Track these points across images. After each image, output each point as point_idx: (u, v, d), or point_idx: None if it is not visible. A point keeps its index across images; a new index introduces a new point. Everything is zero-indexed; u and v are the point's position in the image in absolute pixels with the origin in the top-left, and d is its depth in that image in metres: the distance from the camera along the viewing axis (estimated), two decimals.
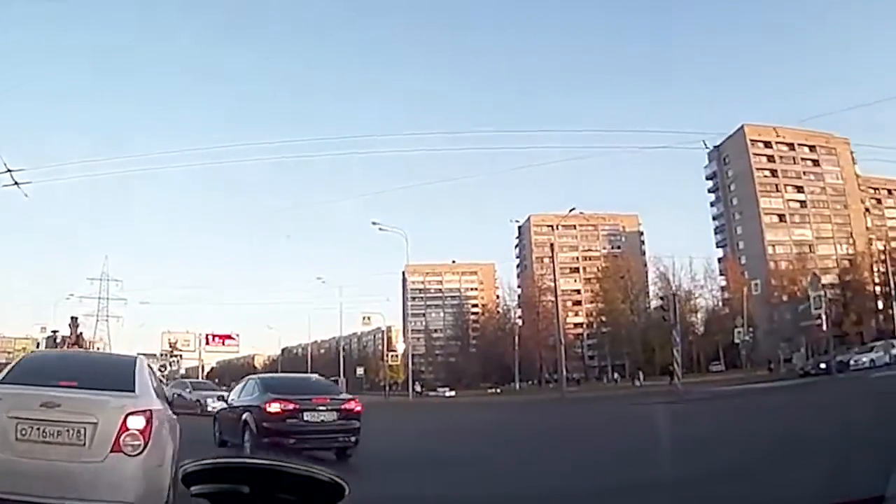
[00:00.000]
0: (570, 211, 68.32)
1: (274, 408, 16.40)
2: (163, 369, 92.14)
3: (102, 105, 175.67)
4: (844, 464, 9.27)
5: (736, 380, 59.72)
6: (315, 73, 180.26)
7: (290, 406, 16.43)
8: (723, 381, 57.42)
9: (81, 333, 35.03)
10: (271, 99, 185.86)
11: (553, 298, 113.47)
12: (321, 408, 16.87)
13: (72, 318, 36.52)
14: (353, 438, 16.79)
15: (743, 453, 14.25)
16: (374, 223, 77.77)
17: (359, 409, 17.56)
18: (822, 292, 53.94)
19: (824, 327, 52.03)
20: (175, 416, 10.21)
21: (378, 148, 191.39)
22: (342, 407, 17.24)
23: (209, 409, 30.07)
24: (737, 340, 74.25)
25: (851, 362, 51.37)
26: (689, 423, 23.82)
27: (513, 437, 24.17)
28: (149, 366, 9.88)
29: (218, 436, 19.71)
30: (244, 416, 17.23)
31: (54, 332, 34.26)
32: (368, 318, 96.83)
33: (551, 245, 68.50)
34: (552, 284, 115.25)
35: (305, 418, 16.45)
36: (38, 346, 32.71)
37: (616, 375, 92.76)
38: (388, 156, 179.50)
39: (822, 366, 52.57)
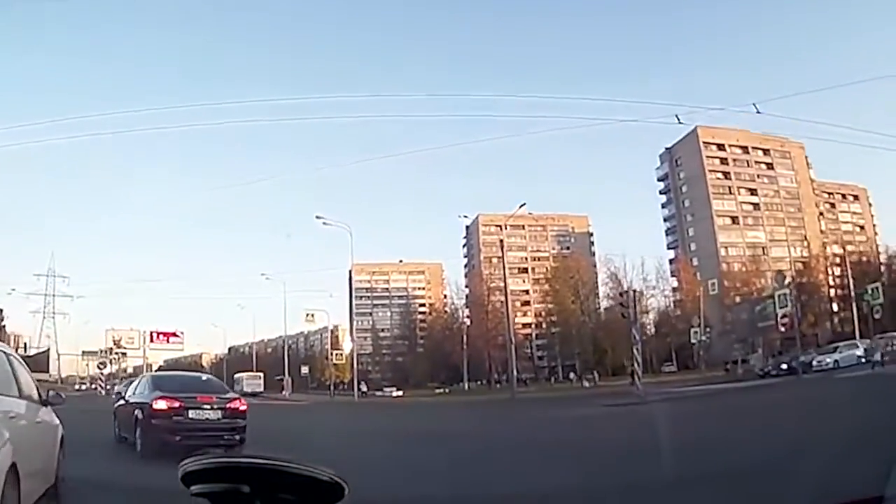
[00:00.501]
0: (521, 206, 66.93)
1: (159, 405, 16.78)
2: (102, 367, 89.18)
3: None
4: (844, 463, 9.14)
5: (693, 380, 58.45)
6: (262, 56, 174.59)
7: (176, 404, 16.76)
8: (679, 382, 55.67)
9: (3, 327, 31.74)
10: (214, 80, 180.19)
11: (502, 298, 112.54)
12: (206, 406, 17.29)
13: None
14: (237, 437, 17.26)
15: (738, 454, 13.73)
16: (317, 217, 74.63)
17: (243, 408, 18.18)
18: (787, 290, 51.82)
19: (793, 325, 50.00)
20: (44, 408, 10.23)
21: (325, 137, 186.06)
22: (227, 406, 17.74)
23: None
24: (693, 340, 73.03)
25: (814, 363, 50.12)
26: (666, 424, 21.29)
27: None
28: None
29: (117, 432, 19.92)
30: (135, 413, 17.51)
31: None
32: (312, 316, 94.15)
33: (501, 242, 67.06)
34: (501, 284, 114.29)
35: (190, 416, 16.80)
36: None
37: (572, 375, 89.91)
38: (335, 146, 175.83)
39: (785, 366, 51.18)
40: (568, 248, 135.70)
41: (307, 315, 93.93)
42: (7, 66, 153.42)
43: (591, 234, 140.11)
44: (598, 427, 26.19)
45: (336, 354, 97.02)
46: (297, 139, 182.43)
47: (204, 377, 24.23)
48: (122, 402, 20.36)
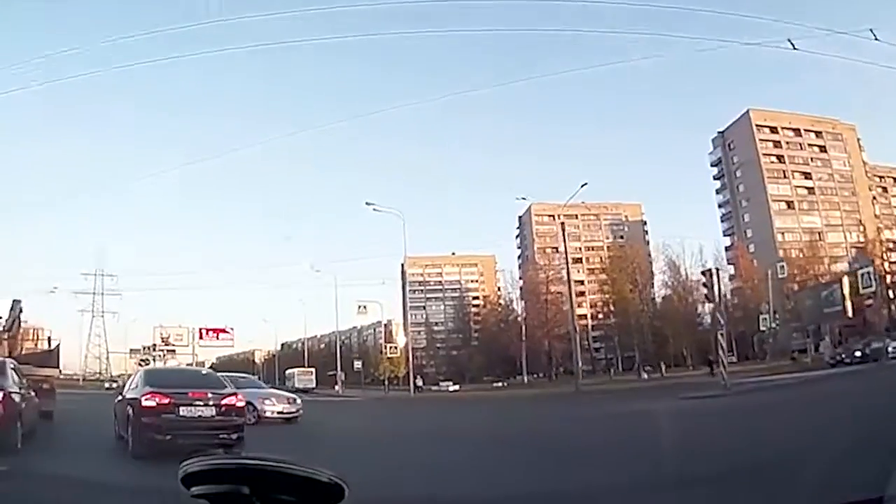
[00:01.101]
0: (582, 186, 61.96)
1: (148, 402, 15.69)
2: (144, 364, 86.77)
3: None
4: None
5: (762, 370, 52.94)
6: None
7: (165, 400, 15.68)
8: (752, 372, 50.45)
9: (17, 321, 29.20)
10: (258, 77, 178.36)
11: (558, 288, 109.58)
12: (198, 402, 16.12)
13: (14, 301, 31.01)
14: (234, 435, 16.25)
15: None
16: (367, 203, 71.56)
17: (241, 404, 17.36)
18: (870, 268, 47.64)
19: (879, 307, 45.76)
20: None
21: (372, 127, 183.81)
22: (222, 402, 16.50)
23: (268, 414, 26.89)
24: (762, 328, 68.20)
25: (890, 349, 45.37)
26: (772, 417, 20.05)
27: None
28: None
29: (116, 429, 18.46)
30: (127, 410, 16.49)
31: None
32: (364, 308, 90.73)
33: (562, 225, 62.88)
34: (556, 275, 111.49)
35: (181, 413, 15.72)
36: None
37: (646, 367, 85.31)
38: (383, 136, 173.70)
39: (858, 353, 46.89)
40: (622, 237, 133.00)
41: (359, 307, 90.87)
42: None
43: (645, 223, 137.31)
44: (703, 423, 22.08)
45: (390, 348, 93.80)
46: (345, 125, 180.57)
47: (204, 372, 24.18)
48: (119, 398, 18.84)
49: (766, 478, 9.61)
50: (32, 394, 18.47)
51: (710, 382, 41.90)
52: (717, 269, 46.54)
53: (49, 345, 36.65)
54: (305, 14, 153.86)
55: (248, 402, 25.93)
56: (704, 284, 40.78)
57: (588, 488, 10.81)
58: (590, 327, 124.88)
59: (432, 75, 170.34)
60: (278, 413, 27.10)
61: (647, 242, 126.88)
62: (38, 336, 31.39)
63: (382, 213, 73.04)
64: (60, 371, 27.44)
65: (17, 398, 15.52)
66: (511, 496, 10.65)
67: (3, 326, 30.42)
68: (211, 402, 16.16)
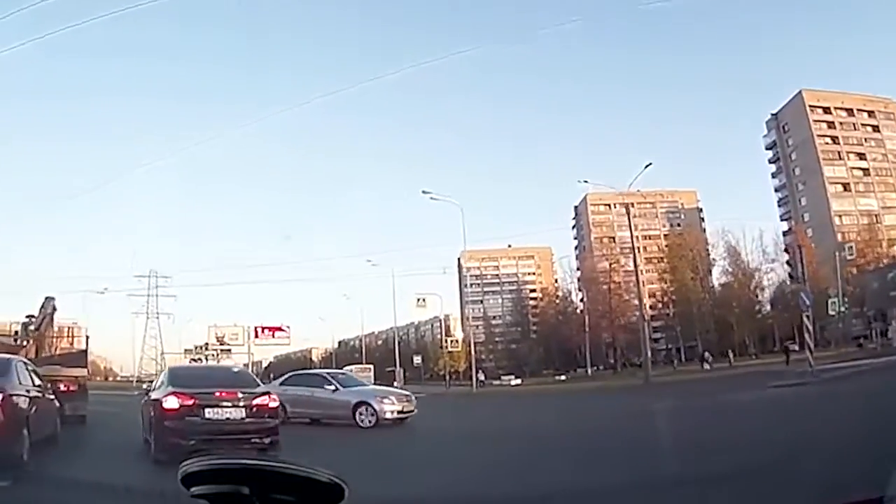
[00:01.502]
0: (647, 166, 59.36)
1: (169, 403, 14.54)
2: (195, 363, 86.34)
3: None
4: None
5: (834, 357, 50.34)
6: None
7: (189, 402, 14.51)
8: (824, 360, 48.10)
9: (48, 318, 27.83)
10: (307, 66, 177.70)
11: (617, 279, 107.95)
12: (226, 403, 14.97)
13: (46, 298, 29.54)
14: (267, 439, 14.97)
15: None
16: (424, 192, 70.30)
17: (274, 405, 15.92)
18: None
19: None
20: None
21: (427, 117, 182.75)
22: (253, 403, 15.27)
23: (388, 415, 24.52)
24: (832, 312, 65.41)
25: None
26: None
27: None
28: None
29: (143, 433, 16.88)
30: (150, 412, 15.46)
31: (29, 316, 27.86)
32: (423, 300, 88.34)
33: (627, 208, 61.52)
34: (617, 264, 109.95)
35: (207, 415, 14.56)
36: (16, 333, 26.38)
37: (708, 356, 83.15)
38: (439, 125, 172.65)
39: None
40: (678, 225, 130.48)
41: (418, 300, 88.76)
42: None
43: (701, 210, 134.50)
44: (818, 410, 20.91)
45: (451, 342, 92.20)
46: (398, 112, 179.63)
47: (236, 369, 22.95)
48: (146, 398, 17.40)
49: None
50: (50, 396, 16.82)
51: (787, 371, 40.29)
52: (801, 247, 44.76)
53: (87, 344, 35.51)
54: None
55: (364, 403, 24.64)
56: (788, 262, 39.13)
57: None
58: (648, 318, 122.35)
59: (489, 65, 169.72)
60: (398, 413, 24.72)
61: (704, 230, 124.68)
62: (73, 335, 30.02)
63: (440, 203, 71.38)
64: (89, 371, 25.98)
65: (22, 401, 13.66)
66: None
67: (33, 325, 29.22)
68: (241, 403, 15.07)
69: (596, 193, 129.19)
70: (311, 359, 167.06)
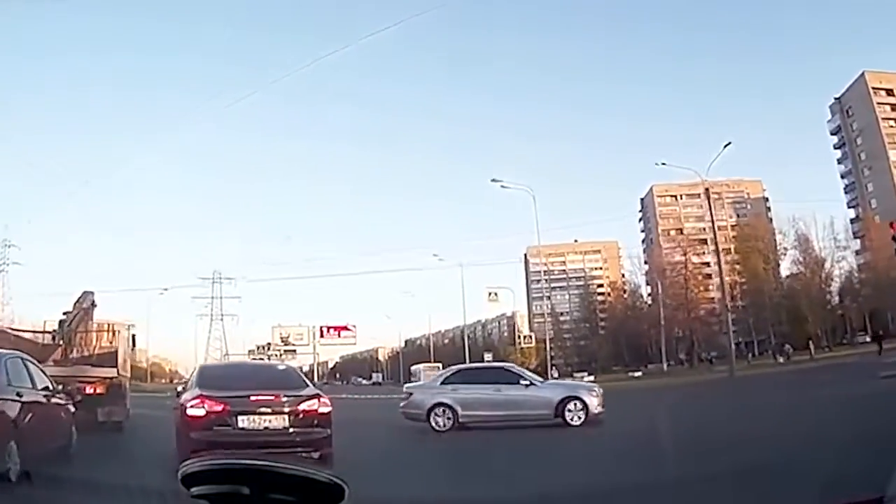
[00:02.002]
0: (725, 146, 56.65)
1: (195, 410, 12.27)
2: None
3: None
4: None
5: None
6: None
7: (218, 407, 12.27)
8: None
9: (82, 313, 25.70)
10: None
11: (686, 272, 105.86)
12: (265, 410, 12.54)
13: (84, 293, 27.15)
14: (316, 453, 12.27)
15: None
16: (494, 180, 66.99)
17: (325, 410, 13.11)
18: None
19: None
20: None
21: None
22: (299, 408, 12.79)
23: (596, 411, 22.26)
24: None
25: None
26: None
27: None
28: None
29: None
30: (176, 419, 13.41)
31: (66, 313, 26.08)
32: (495, 295, 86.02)
33: (706, 192, 58.37)
34: (682, 258, 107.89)
35: (241, 424, 12.25)
36: (54, 331, 24.62)
37: (788, 348, 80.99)
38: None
39: None
40: (744, 215, 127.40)
41: (490, 294, 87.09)
42: None
43: (767, 199, 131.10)
44: None
45: (524, 338, 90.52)
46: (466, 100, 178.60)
47: (281, 367, 19.88)
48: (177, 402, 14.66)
49: None
50: (62, 401, 14.56)
51: (884, 361, 38.19)
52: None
53: (133, 343, 33.84)
54: None
55: (574, 397, 22.25)
56: (857, 252, 37.19)
57: None
58: (717, 311, 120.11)
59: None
60: (602, 409, 22.33)
61: (771, 220, 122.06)
62: (113, 331, 27.57)
63: (508, 193, 69.52)
64: (118, 372, 23.47)
65: (9, 407, 11.24)
66: None
67: (67, 321, 26.69)
68: (285, 409, 12.67)
69: (662, 185, 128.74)
70: (377, 358, 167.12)
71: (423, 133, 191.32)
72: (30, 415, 11.83)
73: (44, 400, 13.11)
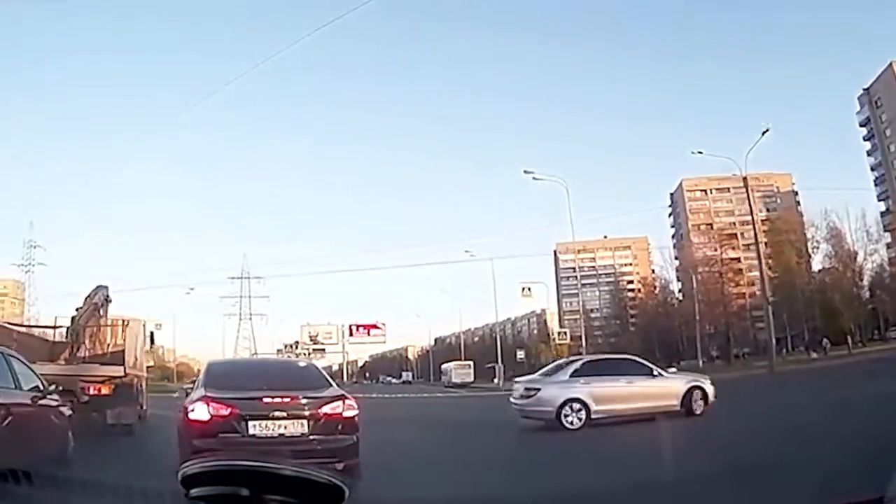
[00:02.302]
0: (764, 133, 55.32)
1: (198, 414, 10.62)
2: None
3: None
4: None
5: None
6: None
7: (225, 411, 10.55)
8: None
9: (92, 309, 23.88)
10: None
11: (718, 268, 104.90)
12: (279, 413, 10.69)
13: (97, 287, 25.11)
14: (341, 464, 9.87)
15: None
16: (526, 172, 67.55)
17: (351, 413, 11.21)
18: None
19: None
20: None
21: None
22: (320, 411, 10.95)
23: (711, 398, 22.66)
24: None
25: None
26: None
27: None
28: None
29: None
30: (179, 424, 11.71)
31: (78, 309, 24.88)
32: (528, 289, 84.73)
33: (744, 180, 56.59)
34: (714, 253, 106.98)
35: (251, 431, 10.50)
36: (68, 328, 23.32)
37: (826, 343, 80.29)
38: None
39: None
40: (774, 209, 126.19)
41: (523, 289, 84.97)
42: None
43: (797, 193, 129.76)
44: None
45: (559, 334, 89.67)
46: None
47: (302, 363, 18.23)
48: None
49: None
50: (53, 402, 12.82)
51: None
52: None
53: (152, 340, 32.85)
54: None
55: (698, 387, 22.27)
56: (888, 245, 36.39)
57: None
58: (748, 306, 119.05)
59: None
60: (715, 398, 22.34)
61: (801, 213, 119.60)
62: (122, 328, 25.67)
63: (541, 186, 68.74)
64: (125, 370, 21.30)
65: None
66: None
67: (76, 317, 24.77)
68: (304, 412, 10.84)
69: (691, 179, 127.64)
70: (406, 357, 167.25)
71: (454, 126, 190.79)
72: (9, 419, 10.37)
73: (29, 402, 11.61)
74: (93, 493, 8.04)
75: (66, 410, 13.54)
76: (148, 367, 34.07)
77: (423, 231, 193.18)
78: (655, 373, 22.46)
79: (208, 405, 10.53)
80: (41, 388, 12.40)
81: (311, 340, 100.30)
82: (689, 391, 21.85)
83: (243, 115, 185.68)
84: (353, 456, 10.68)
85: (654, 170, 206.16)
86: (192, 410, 10.60)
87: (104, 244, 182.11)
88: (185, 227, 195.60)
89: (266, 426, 10.50)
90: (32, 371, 12.65)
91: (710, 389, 22.15)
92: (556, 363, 25.24)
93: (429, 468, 14.34)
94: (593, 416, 20.43)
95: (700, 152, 71.34)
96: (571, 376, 21.67)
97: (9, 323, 29.70)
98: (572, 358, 26.93)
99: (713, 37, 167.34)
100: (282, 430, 10.55)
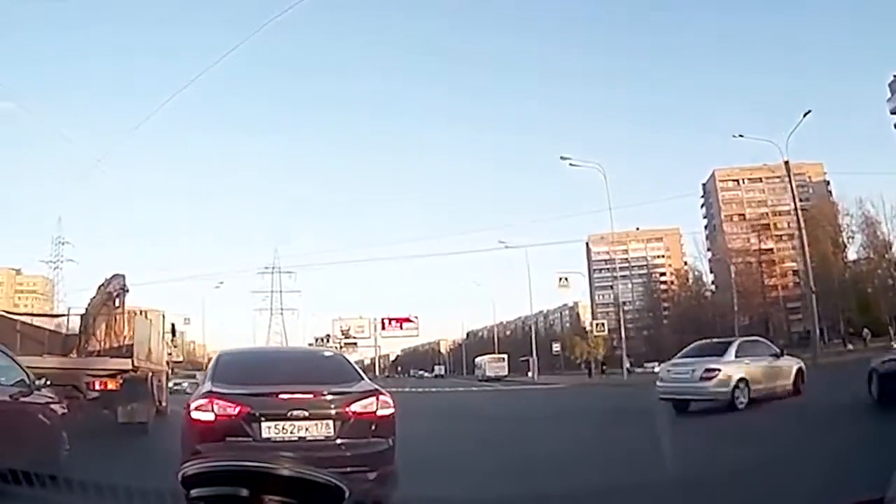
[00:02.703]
0: (805, 114, 53.83)
1: (201, 413, 9.03)
2: None
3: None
4: None
5: None
6: None
7: (233, 409, 8.93)
8: None
9: (105, 298, 21.98)
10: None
11: (750, 259, 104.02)
12: (298, 412, 9.00)
13: (113, 276, 22.83)
14: (372, 473, 8.62)
15: None
16: (563, 158, 64.42)
17: (385, 412, 9.44)
18: None
19: None
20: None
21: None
22: (347, 410, 9.20)
23: None
24: None
25: None
26: None
27: None
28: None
29: None
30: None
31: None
32: (566, 280, 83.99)
33: (786, 163, 54.78)
34: (745, 245, 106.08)
35: (265, 434, 8.87)
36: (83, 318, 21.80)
37: (866, 333, 79.46)
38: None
39: None
40: (807, 199, 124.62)
41: (560, 279, 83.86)
42: None
43: (828, 183, 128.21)
44: None
45: (597, 325, 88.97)
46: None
47: (327, 353, 16.09)
48: None
49: None
50: (42, 400, 11.45)
51: None
52: None
53: (174, 332, 31.74)
54: None
55: (801, 368, 23.83)
56: None
57: None
58: (781, 298, 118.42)
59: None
60: None
61: (833, 203, 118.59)
62: (146, 316, 23.99)
63: (577, 174, 67.18)
64: (133, 364, 19.22)
65: None
66: None
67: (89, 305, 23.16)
68: (330, 411, 9.20)
69: (723, 170, 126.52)
70: (438, 351, 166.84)
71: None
72: None
73: (7, 398, 10.25)
74: (93, 494, 7.60)
75: (59, 408, 12.10)
76: (177, 362, 33.41)
77: (457, 221, 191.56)
78: (780, 354, 23.47)
79: (213, 403, 9.06)
80: (27, 382, 11.18)
81: (343, 334, 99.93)
82: (798, 372, 23.20)
83: (272, 109, 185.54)
84: (387, 462, 9.24)
85: (683, 160, 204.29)
86: (195, 409, 9.13)
87: (133, 240, 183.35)
88: (215, 221, 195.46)
89: (283, 427, 9.00)
90: (17, 364, 11.53)
91: (806, 371, 23.71)
92: (697, 344, 25.71)
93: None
94: (752, 396, 20.81)
95: (741, 136, 70.14)
96: (737, 356, 21.93)
97: (10, 313, 27.26)
98: (722, 340, 27.38)
99: (740, 27, 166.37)
100: (302, 433, 9.02)
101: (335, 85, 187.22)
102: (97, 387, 18.09)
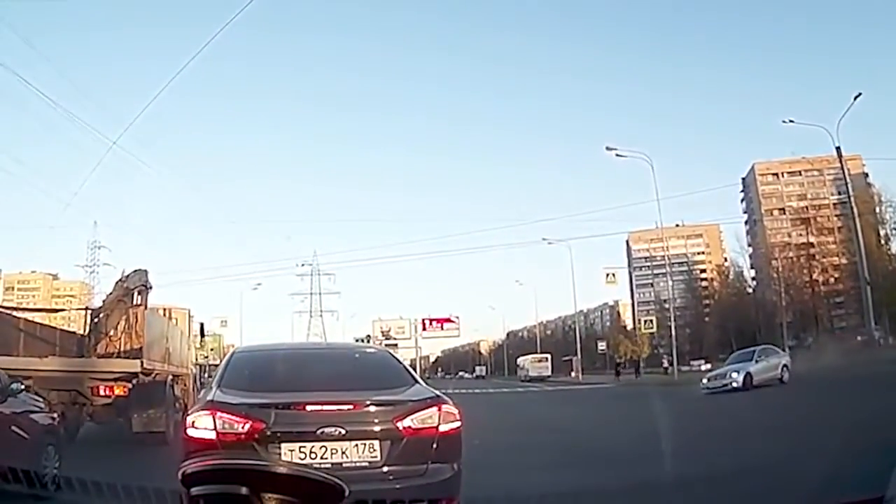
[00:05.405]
0: (856, 98, 51.44)
1: (199, 431, 6.69)
2: None
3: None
4: None
5: None
6: None
7: (241, 426, 6.56)
8: None
9: (120, 294, 19.62)
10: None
11: (790, 254, 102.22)
12: (331, 429, 6.53)
13: (134, 271, 20.74)
14: None
15: None
16: (608, 148, 61.40)
17: (449, 426, 6.94)
18: None
19: None
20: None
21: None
22: (398, 426, 6.73)
23: None
24: None
25: None
26: None
27: None
28: None
29: None
30: None
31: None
32: (613, 276, 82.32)
33: (838, 149, 52.89)
34: (787, 239, 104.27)
35: (286, 459, 6.28)
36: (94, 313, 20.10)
37: None
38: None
39: None
40: (845, 193, 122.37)
41: (608, 275, 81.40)
42: None
43: (867, 175, 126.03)
44: None
45: (645, 322, 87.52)
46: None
47: (370, 350, 11.93)
48: None
49: None
50: (19, 408, 9.73)
51: None
52: None
53: (202, 333, 30.18)
54: None
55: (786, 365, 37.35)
56: None
57: None
58: (823, 293, 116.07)
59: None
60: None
61: (872, 195, 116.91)
62: (169, 315, 22.28)
63: (627, 160, 64.39)
64: (143, 366, 17.16)
65: None
66: None
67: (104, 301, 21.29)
68: (374, 427, 6.82)
69: (763, 163, 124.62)
70: (479, 351, 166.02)
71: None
72: None
73: None
74: (93, 493, 6.91)
75: (44, 418, 10.51)
76: (213, 366, 32.29)
77: (498, 218, 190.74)
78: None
79: (215, 417, 6.74)
80: (2, 387, 9.60)
81: (384, 335, 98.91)
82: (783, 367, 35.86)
83: (314, 109, 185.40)
84: (452, 492, 6.82)
85: (721, 153, 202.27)
86: (191, 425, 6.89)
87: (170, 241, 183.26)
88: (253, 224, 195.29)
89: (310, 451, 6.63)
90: None
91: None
92: (740, 352, 39.77)
93: None
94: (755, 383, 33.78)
95: (791, 121, 67.89)
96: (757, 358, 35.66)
97: (10, 309, 25.13)
98: (749, 348, 40.01)
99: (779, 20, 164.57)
100: (337, 458, 6.62)
101: (379, 85, 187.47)
102: (103, 392, 16.40)
